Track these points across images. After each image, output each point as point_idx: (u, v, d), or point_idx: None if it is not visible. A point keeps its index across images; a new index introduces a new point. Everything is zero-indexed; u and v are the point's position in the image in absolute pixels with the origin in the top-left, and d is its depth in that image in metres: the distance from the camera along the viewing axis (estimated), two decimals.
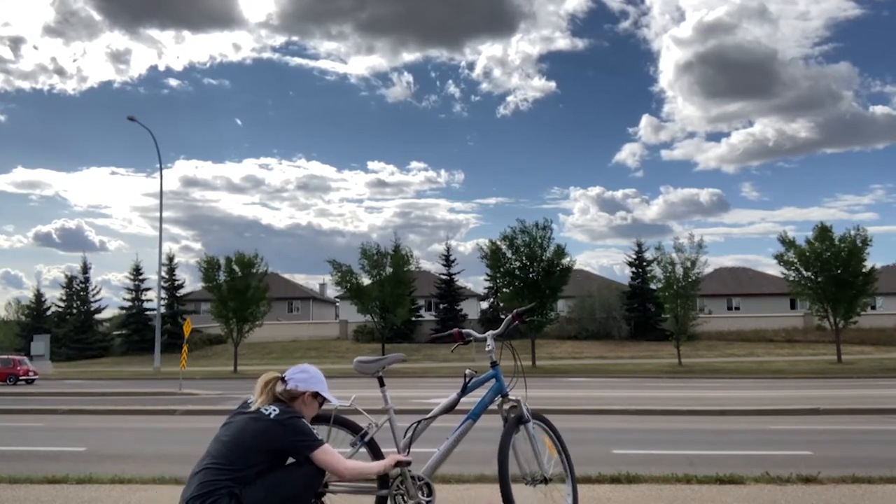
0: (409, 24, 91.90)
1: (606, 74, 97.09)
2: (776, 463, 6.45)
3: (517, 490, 3.57)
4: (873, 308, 47.33)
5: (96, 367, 38.52)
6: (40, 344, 34.11)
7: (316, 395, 3.28)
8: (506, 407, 3.61)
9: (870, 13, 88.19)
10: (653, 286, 39.63)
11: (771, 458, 7.31)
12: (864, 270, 31.63)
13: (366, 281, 34.77)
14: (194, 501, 2.85)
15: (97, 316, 52.94)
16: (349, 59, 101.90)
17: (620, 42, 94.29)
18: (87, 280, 53.41)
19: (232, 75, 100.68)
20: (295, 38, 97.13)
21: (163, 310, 43.78)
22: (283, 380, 3.21)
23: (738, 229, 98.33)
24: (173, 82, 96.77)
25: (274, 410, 3.05)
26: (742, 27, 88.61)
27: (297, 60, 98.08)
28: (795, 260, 32.38)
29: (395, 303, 34.27)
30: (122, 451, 8.53)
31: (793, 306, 50.01)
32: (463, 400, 3.62)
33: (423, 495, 3.48)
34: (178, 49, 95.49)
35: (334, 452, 3.10)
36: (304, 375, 3.26)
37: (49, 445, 9.09)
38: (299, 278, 74.76)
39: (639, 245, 47.57)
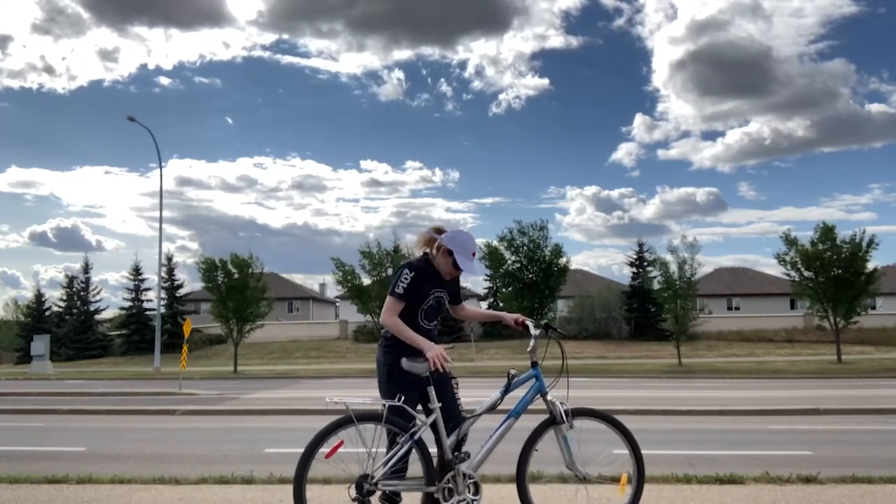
0: (401, 21, 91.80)
1: (601, 73, 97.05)
2: (776, 463, 6.46)
3: (558, 488, 3.72)
4: (874, 308, 47.30)
5: (96, 367, 38.50)
6: (40, 344, 33.97)
7: (449, 252, 3.70)
8: (548, 407, 3.75)
9: (865, 10, 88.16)
10: (653, 286, 39.60)
11: (771, 458, 7.31)
12: (866, 271, 31.60)
13: (366, 281, 34.70)
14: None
15: (97, 316, 52.91)
16: (340, 56, 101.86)
17: (615, 40, 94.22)
18: (87, 280, 53.41)
19: (223, 74, 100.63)
20: (285, 36, 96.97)
21: (163, 310, 43.73)
22: (439, 235, 3.79)
23: (736, 229, 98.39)
24: (164, 81, 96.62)
25: (423, 256, 3.83)
26: (735, 24, 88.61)
27: (287, 59, 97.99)
28: (797, 260, 32.32)
29: None
30: (122, 451, 8.54)
31: (793, 306, 50.00)
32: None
33: (469, 493, 3.56)
34: (167, 47, 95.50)
35: (395, 306, 3.68)
36: (452, 234, 3.77)
37: (49, 445, 9.10)
38: (297, 278, 74.83)
39: (639, 245, 47.60)
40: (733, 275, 58.74)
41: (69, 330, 49.94)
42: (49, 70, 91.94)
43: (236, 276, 34.13)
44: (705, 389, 18.39)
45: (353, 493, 3.47)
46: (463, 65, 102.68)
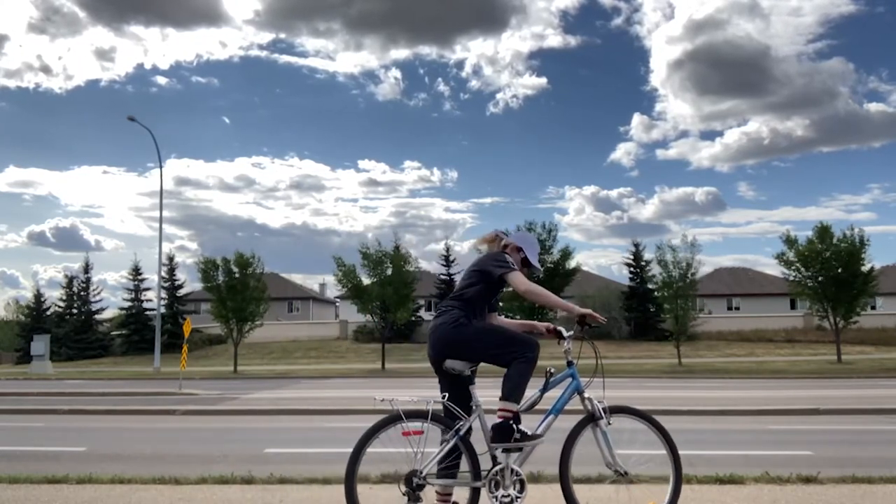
0: (399, 20, 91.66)
1: (599, 72, 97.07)
2: (776, 463, 6.45)
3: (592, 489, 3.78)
4: (873, 308, 47.30)
5: (96, 367, 38.50)
6: (40, 344, 33.96)
7: (519, 249, 4.01)
8: (584, 405, 3.90)
9: (864, 9, 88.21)
10: (651, 286, 39.58)
11: (771, 458, 7.31)
12: (863, 270, 31.63)
13: (366, 281, 34.67)
14: (438, 313, 3.87)
15: (97, 316, 52.90)
16: (337, 56, 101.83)
17: (613, 39, 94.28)
18: (87, 280, 53.40)
19: (220, 73, 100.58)
20: (282, 36, 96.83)
21: (163, 310, 43.72)
22: (505, 235, 4.11)
23: (736, 229, 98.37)
24: (161, 80, 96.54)
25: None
26: (733, 23, 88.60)
27: (285, 58, 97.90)
28: (796, 260, 32.35)
29: (398, 303, 34.19)
30: (122, 451, 8.54)
31: (793, 306, 50.00)
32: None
33: (514, 490, 3.64)
34: (163, 47, 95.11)
35: (520, 276, 3.83)
36: (518, 234, 4.14)
37: (49, 445, 9.10)
38: (297, 278, 74.74)
39: (636, 245, 47.61)
40: (733, 275, 58.74)
41: (69, 330, 49.95)
42: (46, 69, 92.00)
43: (237, 275, 34.15)
44: (705, 389, 18.39)
45: (404, 487, 3.59)
46: (460, 64, 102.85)
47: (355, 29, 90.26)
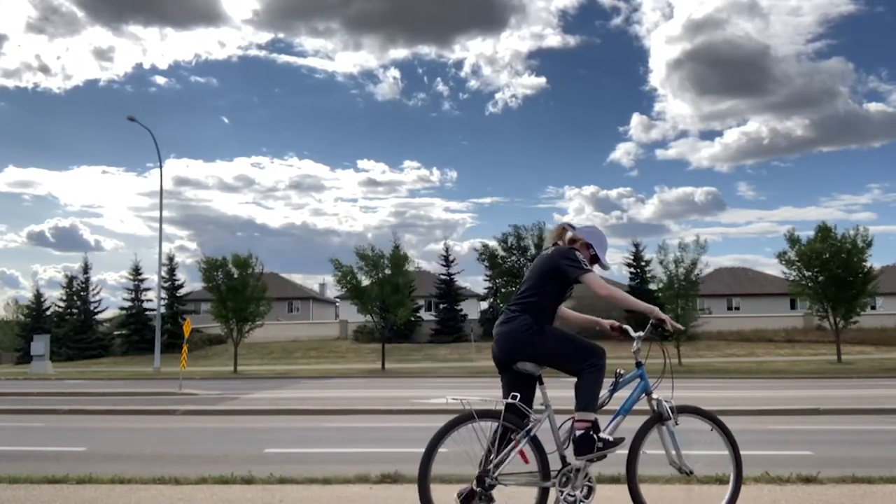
0: (398, 20, 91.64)
1: (598, 72, 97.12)
2: (776, 463, 6.45)
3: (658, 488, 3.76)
4: (873, 308, 47.28)
5: (96, 367, 38.50)
6: (40, 344, 33.96)
7: (588, 245, 3.88)
8: (651, 406, 3.92)
9: (864, 9, 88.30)
10: (653, 286, 39.58)
11: (771, 458, 7.30)
12: (864, 270, 31.60)
13: (365, 281, 34.66)
14: (507, 317, 3.71)
15: (97, 316, 52.90)
16: (336, 55, 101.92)
17: (612, 39, 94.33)
18: (86, 280, 53.40)
19: (218, 73, 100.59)
20: (281, 35, 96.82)
21: (163, 310, 43.70)
22: (573, 228, 3.93)
23: (736, 229, 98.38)
24: (159, 80, 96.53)
25: (555, 246, 3.87)
26: (733, 23, 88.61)
27: (283, 58, 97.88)
28: (797, 259, 32.32)
29: (397, 303, 34.18)
30: (122, 451, 8.54)
31: (793, 306, 49.99)
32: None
33: (581, 493, 3.66)
34: (162, 46, 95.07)
35: (598, 278, 3.72)
36: (588, 229, 3.98)
37: (49, 445, 9.09)
38: (297, 278, 74.74)
39: (636, 245, 47.58)
40: (733, 275, 58.72)
41: (69, 330, 49.93)
42: (44, 69, 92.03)
43: (236, 276, 34.14)
44: (705, 389, 18.38)
45: (477, 487, 3.56)
46: (459, 64, 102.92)
47: (354, 29, 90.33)
